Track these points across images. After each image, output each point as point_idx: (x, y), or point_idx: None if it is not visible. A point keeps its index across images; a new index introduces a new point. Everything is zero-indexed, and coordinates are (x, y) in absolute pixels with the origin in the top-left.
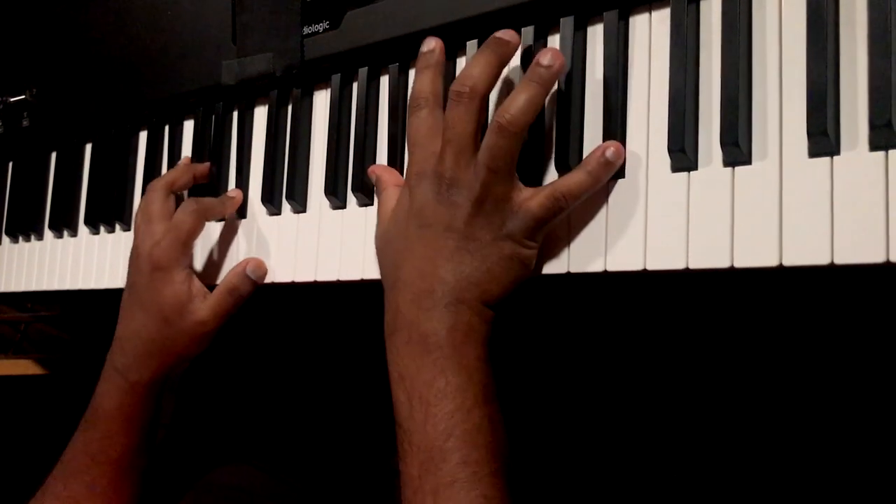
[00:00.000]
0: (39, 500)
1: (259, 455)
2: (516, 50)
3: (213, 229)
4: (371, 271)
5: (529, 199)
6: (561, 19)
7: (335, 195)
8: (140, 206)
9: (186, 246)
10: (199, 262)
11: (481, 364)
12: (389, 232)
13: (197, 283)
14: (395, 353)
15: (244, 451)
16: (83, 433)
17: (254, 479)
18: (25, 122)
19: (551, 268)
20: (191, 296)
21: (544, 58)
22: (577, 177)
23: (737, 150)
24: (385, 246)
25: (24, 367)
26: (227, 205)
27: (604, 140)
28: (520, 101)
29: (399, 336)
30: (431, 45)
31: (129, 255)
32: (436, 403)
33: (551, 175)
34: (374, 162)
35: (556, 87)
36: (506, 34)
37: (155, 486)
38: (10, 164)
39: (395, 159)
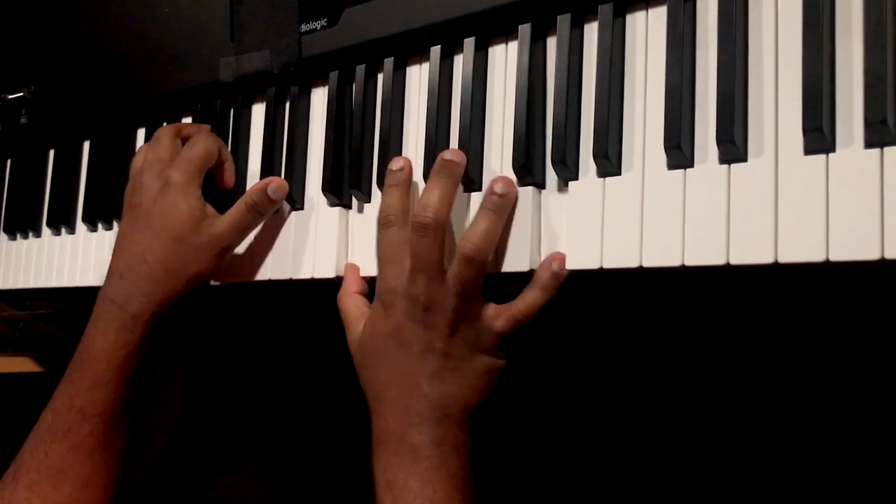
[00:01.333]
0: (13, 479)
1: (254, 461)
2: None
3: None
4: (369, 269)
5: (494, 319)
6: (558, 17)
7: (333, 192)
8: (147, 147)
9: (202, 167)
10: None
11: (466, 472)
12: (367, 346)
13: (210, 207)
14: (384, 462)
15: (239, 457)
16: (67, 386)
17: (247, 489)
18: (24, 120)
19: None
20: (205, 213)
21: (498, 186)
22: (531, 295)
23: (733, 147)
24: (365, 358)
25: (21, 364)
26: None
27: (596, 139)
28: (481, 230)
29: (387, 447)
30: (400, 164)
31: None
32: None
33: (548, 174)
34: (371, 159)
35: (553, 83)
36: (452, 154)
37: (151, 496)
38: (9, 162)
39: (385, 157)
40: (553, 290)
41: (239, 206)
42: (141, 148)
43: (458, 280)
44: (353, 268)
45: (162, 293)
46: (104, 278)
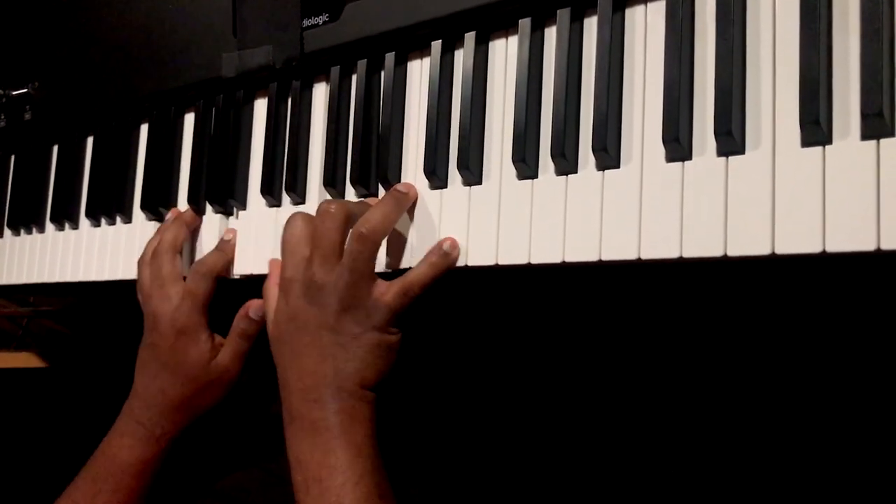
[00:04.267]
0: None
1: (264, 456)
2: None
3: (214, 224)
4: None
5: (384, 294)
6: (558, 11)
7: (334, 186)
8: (150, 271)
9: (206, 307)
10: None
11: (367, 440)
12: (273, 334)
13: (217, 337)
14: (292, 440)
15: (248, 453)
16: (91, 484)
17: (256, 480)
18: (27, 116)
19: (546, 256)
20: (213, 351)
21: (401, 186)
22: (421, 270)
23: (730, 139)
24: (273, 346)
25: (25, 360)
26: (227, 251)
27: (595, 133)
28: (377, 214)
29: (294, 425)
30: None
31: (128, 249)
32: (327, 478)
33: (547, 165)
34: (373, 154)
35: (552, 77)
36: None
37: (164, 490)
38: (13, 158)
39: (387, 152)
40: (440, 267)
41: (233, 338)
42: (142, 264)
43: (350, 256)
44: (277, 262)
45: (182, 420)
46: (106, 272)
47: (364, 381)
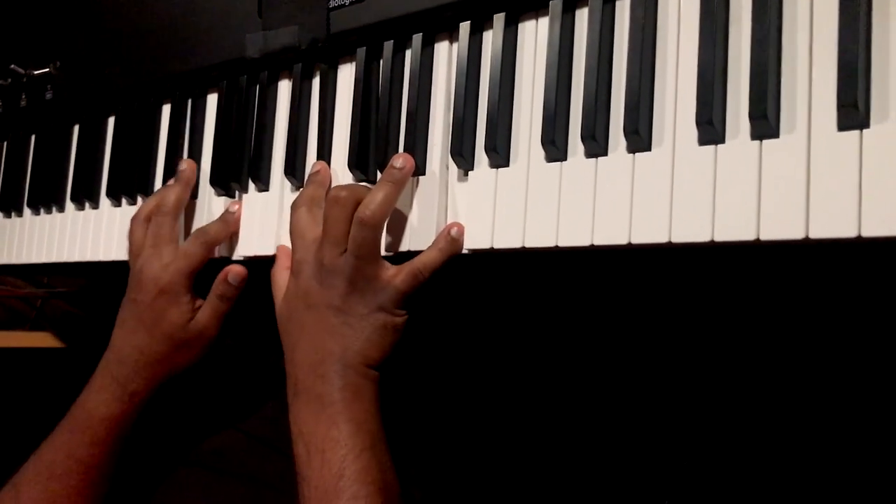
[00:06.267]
0: (13, 499)
1: (237, 416)
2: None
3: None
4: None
5: (394, 277)
6: None
7: (360, 169)
8: (147, 229)
9: (194, 273)
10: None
11: (370, 416)
12: (283, 312)
13: (198, 300)
14: (297, 413)
15: (226, 416)
16: (69, 436)
17: (233, 443)
18: (49, 95)
19: (575, 239)
20: (193, 312)
21: (397, 161)
22: (430, 254)
23: (765, 123)
24: (281, 323)
25: (42, 339)
26: (229, 223)
27: (627, 115)
28: (378, 198)
29: (299, 399)
30: (317, 167)
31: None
32: (330, 450)
33: (576, 147)
34: (398, 136)
35: (583, 59)
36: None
37: (143, 456)
38: (33, 137)
39: (413, 134)
40: (448, 252)
41: (212, 300)
42: (138, 220)
43: (355, 242)
44: (284, 248)
45: (156, 377)
46: (126, 251)
47: (369, 359)
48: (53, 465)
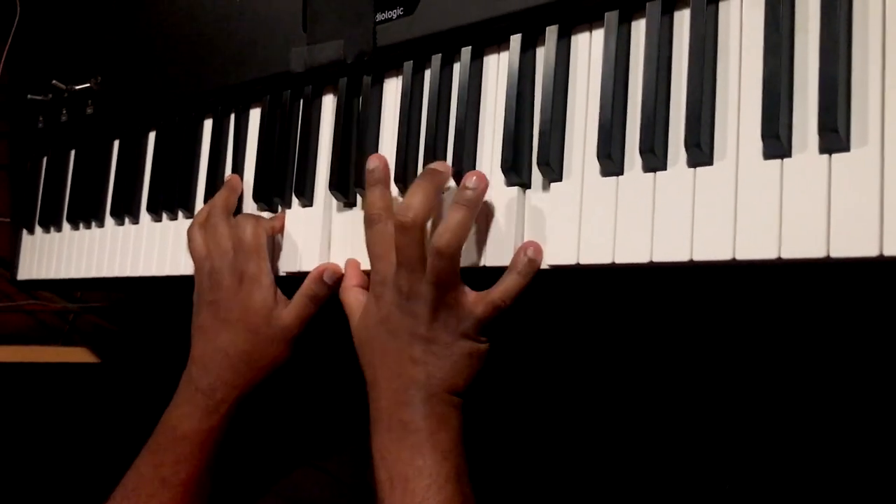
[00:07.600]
0: None
1: (317, 455)
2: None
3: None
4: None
5: (475, 305)
6: (647, 3)
7: (405, 183)
8: (206, 233)
9: (265, 252)
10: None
11: (454, 447)
12: (362, 335)
13: (279, 291)
14: (379, 439)
15: (304, 453)
16: (152, 456)
17: (312, 480)
18: (89, 110)
19: (632, 256)
20: (276, 303)
21: (469, 181)
22: (509, 280)
23: (835, 136)
24: (361, 346)
25: (78, 354)
26: (279, 217)
27: (688, 128)
28: (452, 225)
29: (381, 424)
30: (375, 163)
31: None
32: (413, 479)
33: (633, 161)
34: (445, 151)
35: (640, 71)
36: (440, 166)
37: (224, 492)
38: (73, 152)
39: (461, 149)
40: (528, 275)
41: (300, 299)
42: (195, 228)
43: (433, 271)
44: (353, 263)
45: (243, 382)
46: (167, 267)
47: (453, 387)
48: (139, 488)
